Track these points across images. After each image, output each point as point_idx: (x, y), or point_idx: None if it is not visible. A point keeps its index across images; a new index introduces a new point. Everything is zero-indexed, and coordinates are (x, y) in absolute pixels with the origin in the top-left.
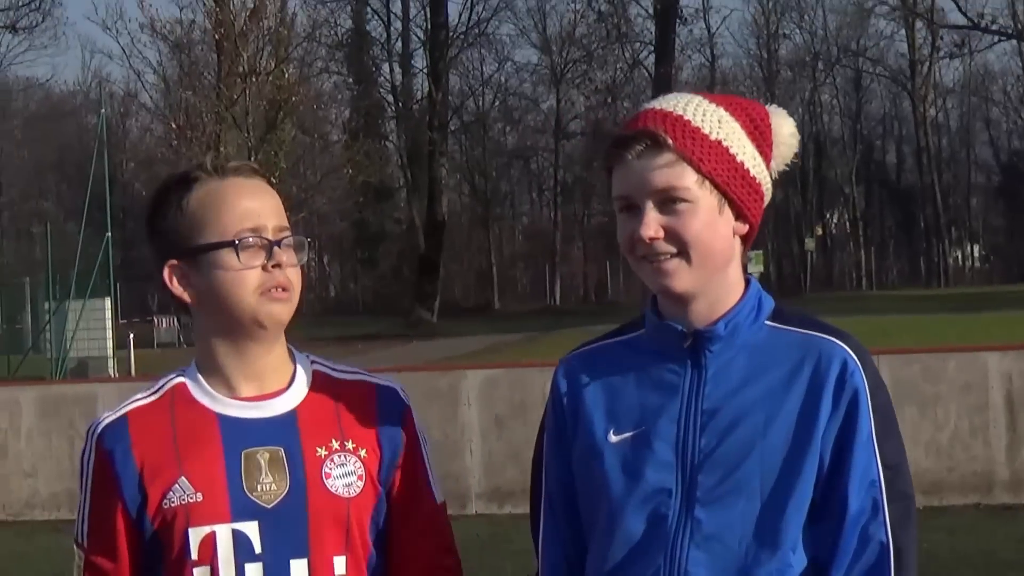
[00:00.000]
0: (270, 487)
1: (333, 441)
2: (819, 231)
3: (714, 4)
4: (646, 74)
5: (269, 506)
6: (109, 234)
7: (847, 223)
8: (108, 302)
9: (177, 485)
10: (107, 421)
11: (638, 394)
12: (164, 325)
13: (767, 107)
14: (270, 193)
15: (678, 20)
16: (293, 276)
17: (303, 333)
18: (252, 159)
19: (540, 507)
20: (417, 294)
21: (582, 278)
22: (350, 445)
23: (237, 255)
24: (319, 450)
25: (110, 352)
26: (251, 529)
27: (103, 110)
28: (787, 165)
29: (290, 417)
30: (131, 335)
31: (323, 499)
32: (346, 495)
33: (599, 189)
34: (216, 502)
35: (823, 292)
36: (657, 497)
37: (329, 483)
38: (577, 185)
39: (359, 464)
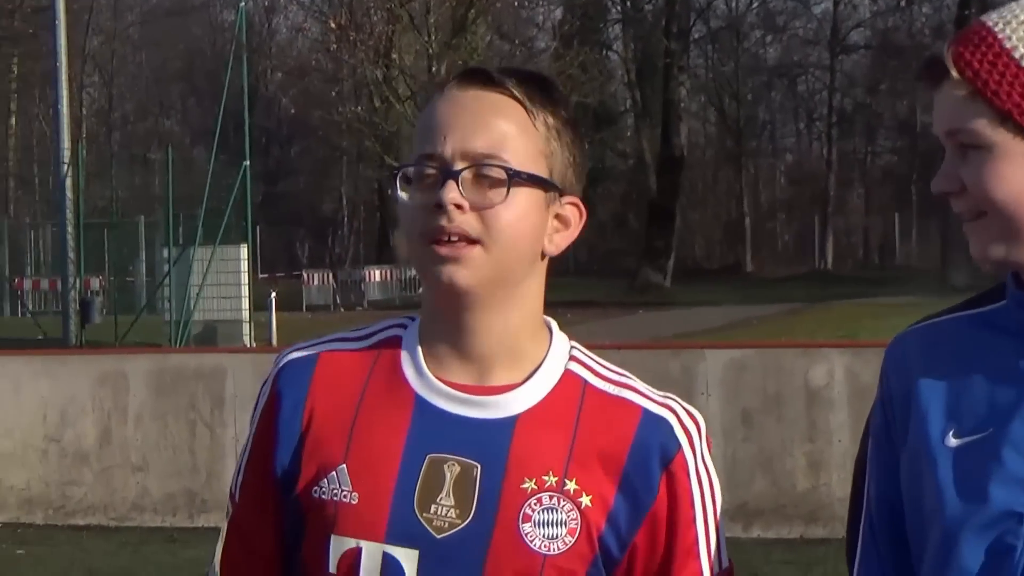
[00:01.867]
0: (447, 512)
1: (550, 475)
2: None
3: None
4: None
5: (439, 536)
6: (247, 163)
7: None
8: (245, 251)
9: (334, 474)
10: (294, 355)
11: (988, 386)
12: (316, 282)
13: None
14: (489, 108)
15: None
16: (471, 223)
17: None
18: (433, 70)
19: (859, 527)
20: (646, 250)
21: (862, 235)
22: (571, 486)
23: (399, 188)
24: (527, 482)
25: (246, 315)
26: (408, 559)
27: (243, 3)
28: None
29: (506, 426)
30: (273, 294)
31: (510, 546)
32: (543, 550)
33: (887, 119)
34: (373, 512)
35: None
36: (1003, 523)
37: (525, 528)
38: (858, 114)
39: (575, 514)
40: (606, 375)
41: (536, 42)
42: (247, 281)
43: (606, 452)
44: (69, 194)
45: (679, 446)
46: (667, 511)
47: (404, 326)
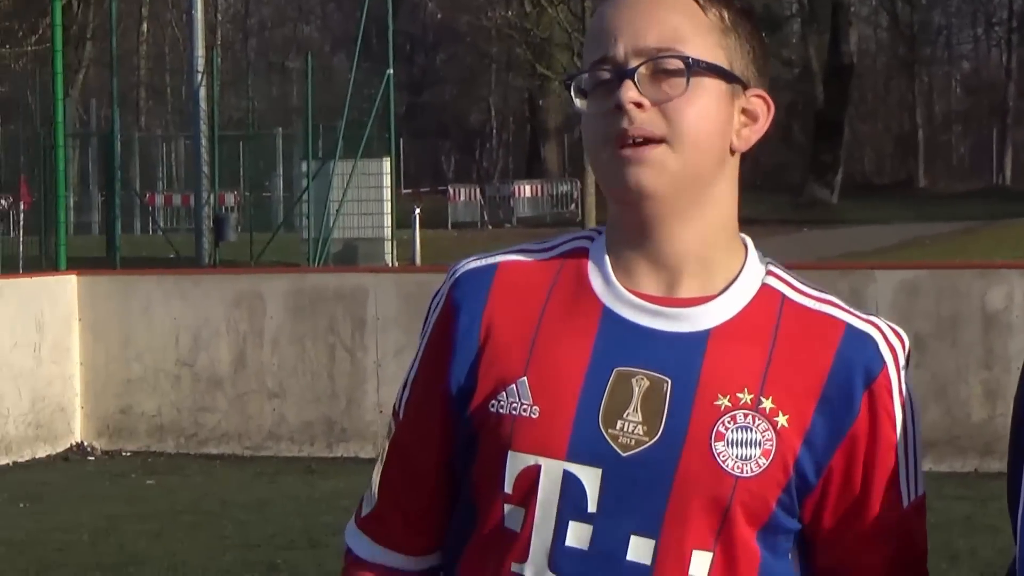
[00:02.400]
0: (634, 429)
1: (744, 392)
2: None
3: None
4: None
5: (624, 454)
6: (391, 71)
7: None
8: (387, 164)
9: (514, 387)
10: (472, 265)
11: None
12: (462, 198)
13: None
14: (658, 4)
15: None
16: (654, 121)
17: None
18: None
19: (1022, 469)
20: (812, 164)
21: None
22: (767, 404)
23: (575, 97)
24: (720, 399)
25: (388, 233)
26: (590, 478)
27: None
28: None
29: (699, 340)
30: (417, 210)
31: (700, 467)
32: (736, 472)
33: None
34: (554, 427)
35: None
36: None
37: (718, 448)
38: None
39: (771, 435)
40: (806, 291)
41: None
42: (390, 197)
43: (805, 368)
44: (203, 105)
45: (883, 364)
46: (867, 433)
47: (591, 238)
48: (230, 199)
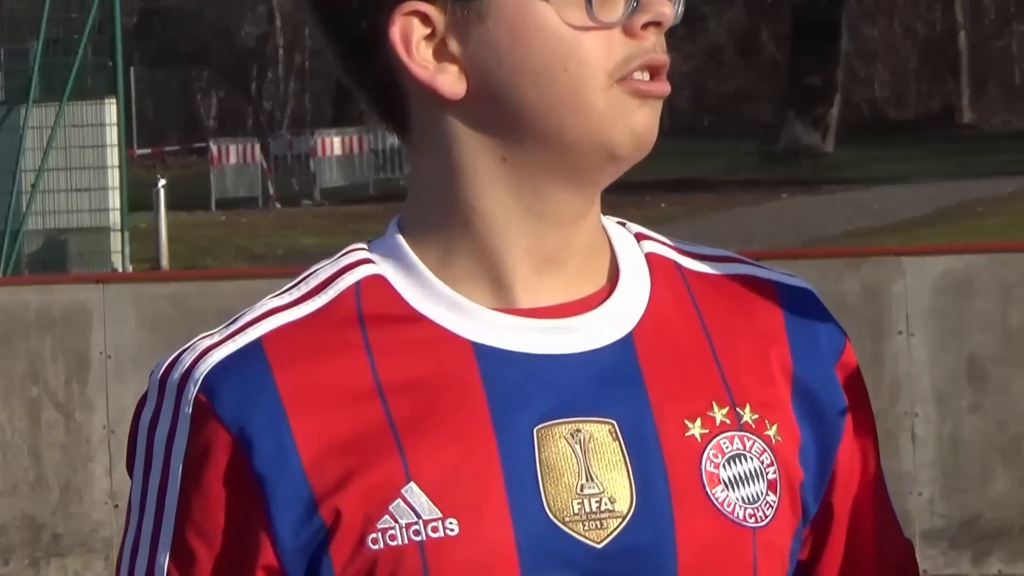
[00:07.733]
0: (599, 505)
1: (715, 408)
2: None
3: None
4: None
5: (600, 544)
6: None
7: None
8: (113, 110)
9: (400, 502)
10: (217, 356)
11: None
12: (232, 160)
13: None
14: None
15: None
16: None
17: None
18: None
19: None
20: (791, 92)
21: None
22: (747, 414)
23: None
24: (688, 425)
25: (116, 219)
26: None
27: None
28: None
29: (623, 352)
30: (161, 182)
31: (707, 529)
32: (751, 523)
33: None
34: (490, 537)
35: None
36: None
37: (717, 495)
38: None
39: (769, 457)
40: (693, 251)
41: None
42: (117, 161)
43: (760, 354)
44: None
45: (839, 329)
46: (854, 425)
47: (366, 260)
48: None
